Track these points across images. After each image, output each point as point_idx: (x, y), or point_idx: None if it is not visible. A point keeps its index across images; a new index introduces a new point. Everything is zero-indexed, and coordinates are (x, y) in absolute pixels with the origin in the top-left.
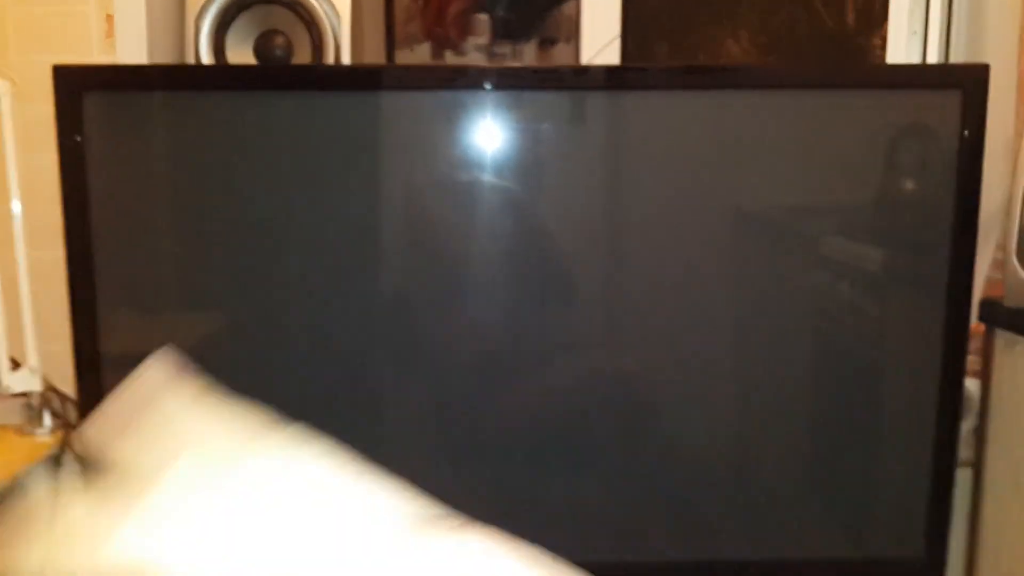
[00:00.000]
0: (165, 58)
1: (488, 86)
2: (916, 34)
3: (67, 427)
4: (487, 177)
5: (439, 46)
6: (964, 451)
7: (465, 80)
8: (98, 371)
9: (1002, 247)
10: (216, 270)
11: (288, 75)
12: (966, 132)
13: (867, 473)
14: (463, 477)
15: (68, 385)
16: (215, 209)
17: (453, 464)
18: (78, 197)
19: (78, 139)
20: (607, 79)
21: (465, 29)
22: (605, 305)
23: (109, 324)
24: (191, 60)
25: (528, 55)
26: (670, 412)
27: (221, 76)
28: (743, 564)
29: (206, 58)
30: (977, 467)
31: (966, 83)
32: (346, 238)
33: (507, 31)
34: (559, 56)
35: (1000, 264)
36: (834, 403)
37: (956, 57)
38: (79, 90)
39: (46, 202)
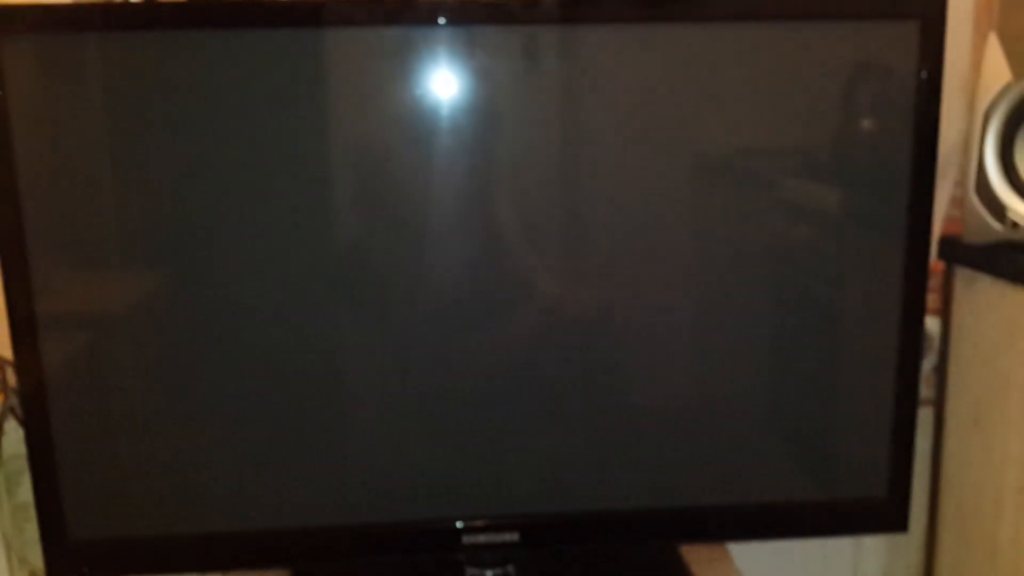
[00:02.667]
0: None
1: (438, 21)
2: None
3: (6, 391)
4: (438, 118)
5: None
6: (925, 390)
7: (413, 15)
8: (35, 332)
9: (960, 184)
10: (155, 222)
11: (226, 12)
12: (923, 64)
13: (829, 414)
14: (424, 427)
15: (5, 347)
16: (152, 159)
17: (414, 415)
18: (2, 151)
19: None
20: (559, 12)
21: None
22: (563, 248)
23: (44, 284)
24: None
25: None
26: (628, 359)
27: (153, 14)
28: (705, 510)
29: None
30: (938, 406)
31: (923, 13)
32: (293, 185)
33: None
34: None
35: (959, 201)
36: (794, 345)
37: None
38: None
39: None
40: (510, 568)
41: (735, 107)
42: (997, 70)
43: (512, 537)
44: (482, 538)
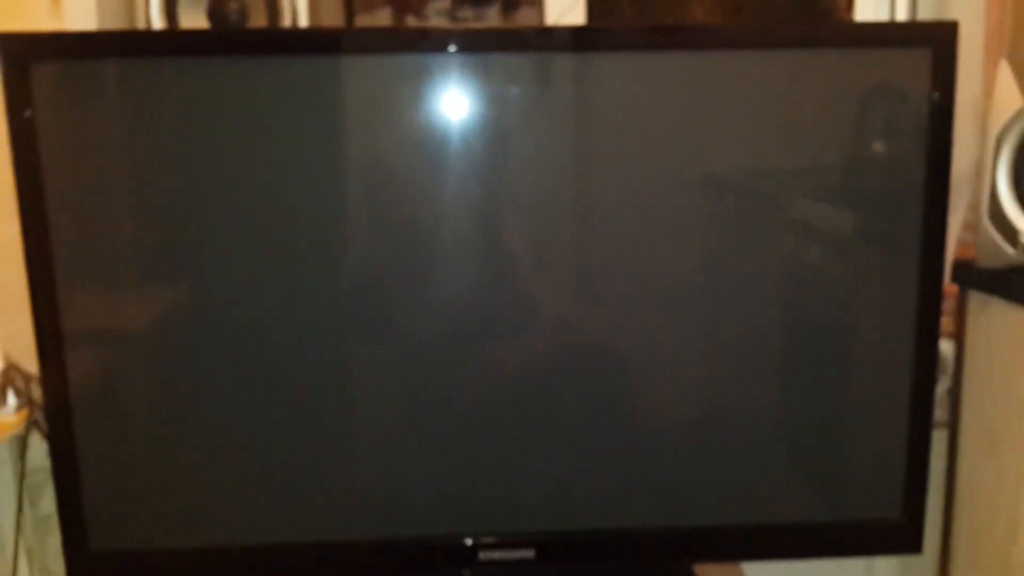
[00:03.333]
0: (115, 24)
1: (451, 48)
2: None
3: (31, 405)
4: (452, 143)
5: (399, 11)
6: (939, 412)
7: (428, 43)
8: (60, 348)
9: (973, 208)
10: (176, 243)
11: (244, 39)
12: (936, 91)
13: (843, 437)
14: (439, 444)
15: (31, 363)
16: (173, 180)
17: (424, 434)
18: (31, 173)
19: (28, 114)
20: (572, 40)
21: None
22: (575, 271)
23: (69, 301)
24: (142, 26)
25: (491, 19)
26: (642, 379)
27: (175, 42)
28: (719, 529)
29: (157, 23)
30: (952, 428)
31: (935, 41)
32: (309, 207)
33: None
34: (523, 19)
35: (972, 225)
36: (809, 367)
37: (923, 16)
38: (27, 60)
39: None
40: None
41: (752, 134)
42: (1009, 96)
43: (527, 554)
44: (497, 555)
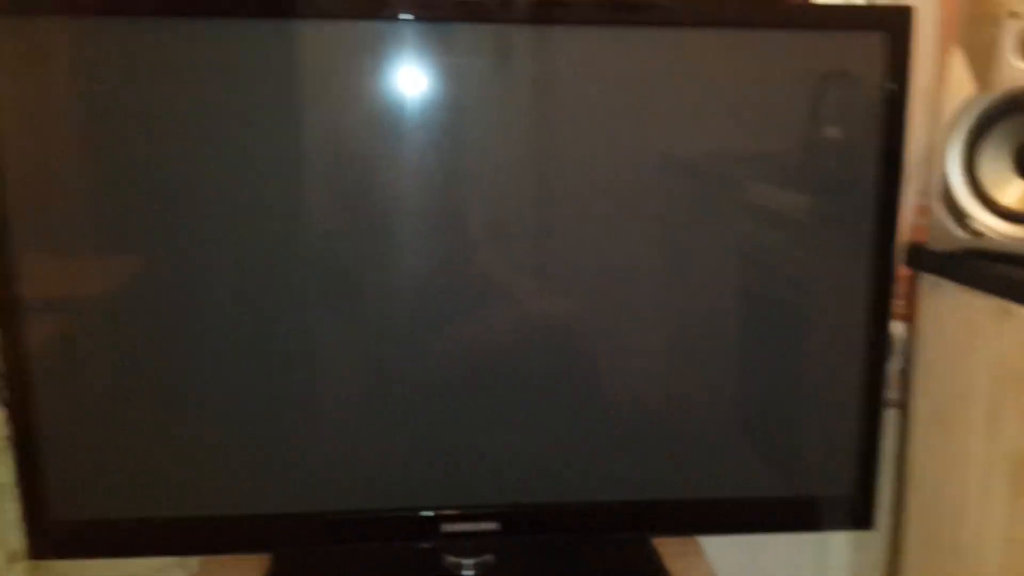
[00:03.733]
0: None
1: (409, 16)
2: None
3: None
4: (408, 114)
5: None
6: (893, 392)
7: (385, 10)
8: (17, 315)
9: (925, 192)
10: (134, 208)
11: (198, 1)
12: (890, 76)
13: (798, 414)
14: (404, 417)
15: None
16: (129, 144)
17: (387, 407)
18: None
19: None
20: (532, 13)
21: None
22: (534, 247)
23: (25, 267)
24: None
25: None
26: (599, 355)
27: (126, 1)
28: (676, 503)
29: None
30: (904, 407)
31: (890, 25)
32: (264, 177)
33: None
34: None
35: (924, 209)
36: (764, 346)
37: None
38: None
39: None
40: (488, 557)
41: (704, 112)
42: (961, 83)
43: (491, 526)
44: (460, 527)
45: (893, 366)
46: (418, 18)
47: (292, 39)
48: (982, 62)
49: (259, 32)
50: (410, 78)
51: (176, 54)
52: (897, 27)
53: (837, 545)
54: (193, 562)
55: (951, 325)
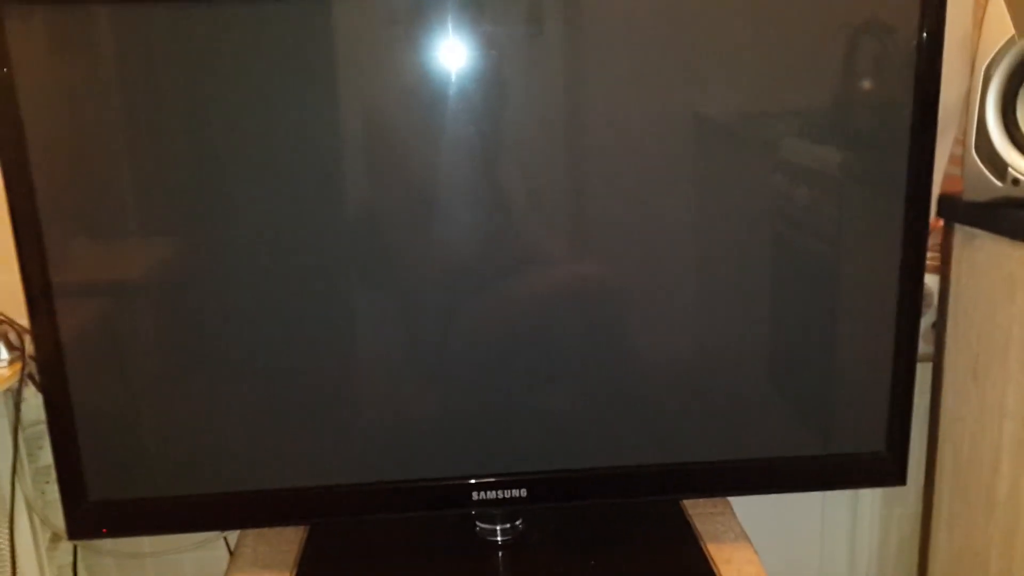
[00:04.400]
0: None
1: None
2: None
3: (24, 358)
4: (443, 78)
5: None
6: (923, 346)
7: None
8: (50, 300)
9: (960, 142)
10: (168, 191)
11: None
12: (925, 22)
13: (829, 371)
14: (435, 387)
15: (22, 316)
16: (161, 127)
17: (424, 376)
18: (12, 124)
19: (5, 71)
20: None
21: None
22: (567, 210)
23: (57, 252)
24: None
25: None
26: (634, 317)
27: None
28: (706, 465)
29: None
30: (936, 361)
31: None
32: (303, 149)
33: None
34: None
35: (958, 159)
36: (796, 303)
37: None
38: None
39: None
40: (519, 523)
41: (737, 67)
42: (999, 27)
43: (520, 493)
44: (491, 494)
45: (925, 320)
46: None
47: (327, 12)
48: (1021, 5)
49: (293, 7)
50: (445, 47)
51: (210, 33)
52: None
53: (868, 500)
54: (232, 535)
55: (987, 276)
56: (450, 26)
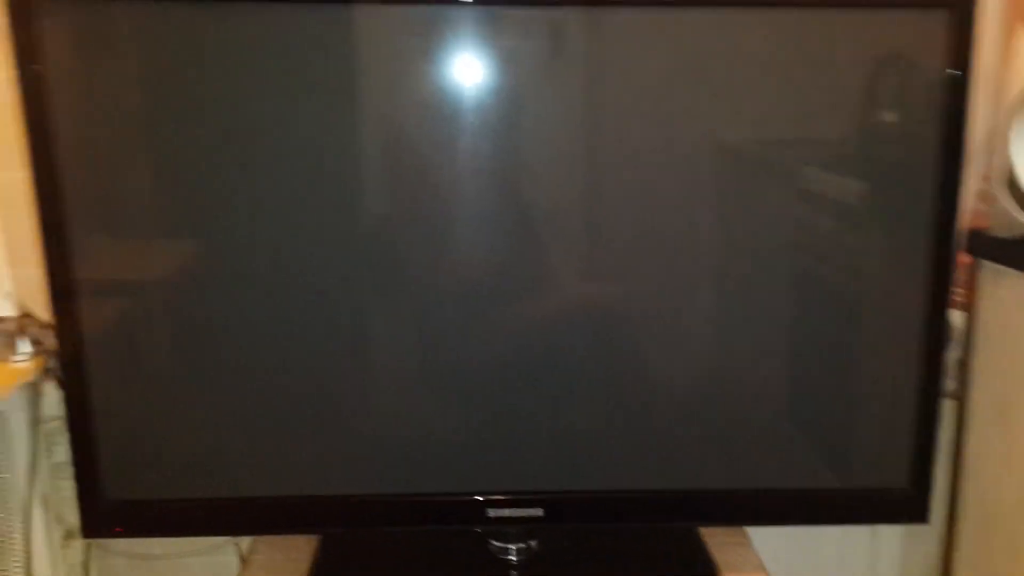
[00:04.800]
0: None
1: (466, 1)
2: None
3: (45, 353)
4: (463, 95)
5: None
6: (948, 383)
7: None
8: (73, 296)
9: (987, 178)
10: (190, 193)
11: None
12: (953, 56)
13: (852, 404)
14: (454, 402)
15: (45, 311)
16: (185, 129)
17: (444, 390)
18: (41, 122)
19: (37, 54)
20: None
21: None
22: (586, 230)
23: (82, 249)
24: None
25: None
26: (653, 343)
27: None
28: (725, 493)
29: None
30: (961, 398)
31: (954, 2)
32: (323, 158)
33: None
34: None
35: (986, 195)
36: (820, 335)
37: None
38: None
39: (6, 119)
40: (532, 543)
41: (762, 94)
42: None
43: (536, 512)
44: (506, 512)
45: (951, 356)
46: (472, 2)
47: (349, 23)
48: None
49: (317, 16)
50: (464, 62)
51: (234, 39)
52: (962, 5)
53: (888, 537)
54: (244, 541)
55: (1015, 314)
56: (470, 42)
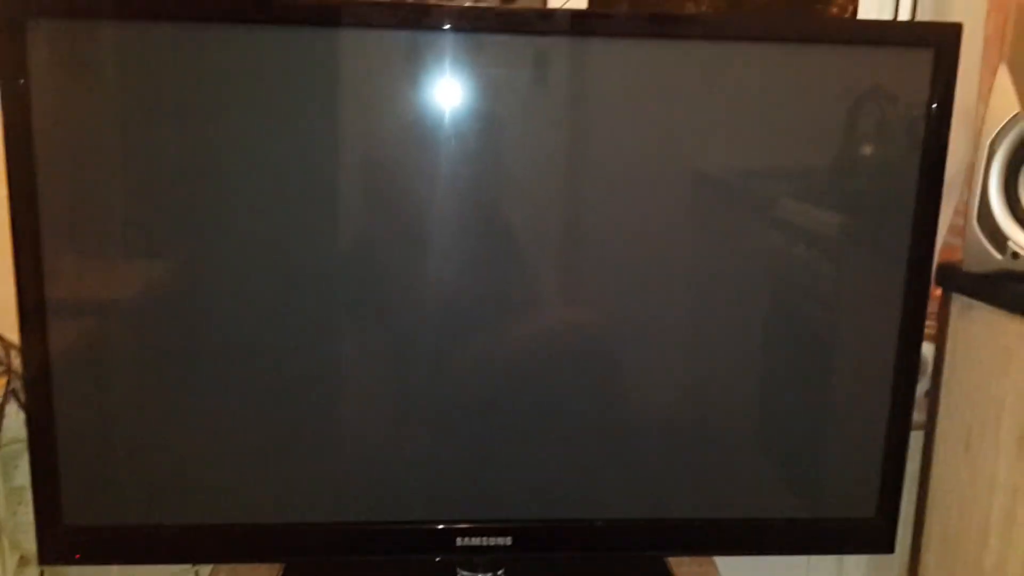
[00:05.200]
0: None
1: (450, 27)
2: None
3: (10, 374)
4: (446, 123)
5: None
6: (917, 414)
7: (427, 20)
8: (43, 318)
9: (961, 213)
10: (164, 215)
11: (244, 7)
12: (935, 94)
13: (821, 435)
14: (421, 429)
15: (12, 331)
16: (162, 150)
17: (411, 417)
18: (21, 137)
19: (21, 71)
20: (571, 24)
21: None
22: (562, 263)
23: (54, 269)
24: None
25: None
26: (625, 372)
27: (176, 5)
28: (693, 523)
29: None
30: (928, 430)
31: (938, 42)
32: (299, 183)
33: None
34: (523, 2)
35: (958, 230)
36: (791, 365)
37: (924, 16)
38: (23, 18)
39: None
40: (500, 572)
41: (743, 125)
42: (1005, 102)
43: (504, 541)
44: (474, 541)
45: (919, 388)
46: (456, 29)
47: (333, 48)
48: None
49: (300, 40)
50: (449, 87)
51: (213, 61)
52: (945, 44)
53: (854, 566)
54: (205, 570)
55: (983, 348)
56: (454, 68)
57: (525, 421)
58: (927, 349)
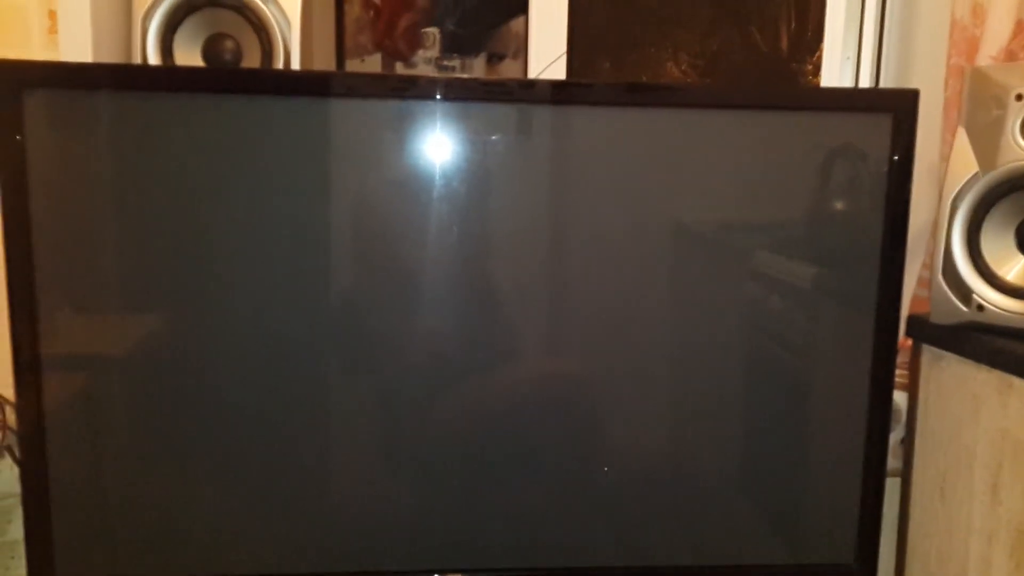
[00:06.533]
0: (110, 58)
1: (438, 96)
2: (849, 59)
3: (5, 430)
4: (434, 186)
5: (389, 58)
6: (892, 461)
7: (415, 90)
8: (38, 373)
9: (928, 266)
10: (161, 273)
11: (238, 78)
12: (896, 155)
13: (800, 483)
14: (406, 482)
15: (6, 387)
16: (159, 212)
17: (397, 469)
18: (18, 196)
19: (18, 138)
20: (553, 93)
21: (415, 42)
22: (547, 316)
23: (50, 326)
24: (137, 61)
25: (477, 70)
26: (609, 423)
27: (170, 77)
28: (679, 569)
29: (153, 60)
30: (905, 476)
31: (897, 107)
32: (292, 245)
33: (456, 46)
34: (507, 72)
35: (926, 282)
36: (767, 413)
37: (887, 82)
38: (20, 87)
39: None
40: None
41: (717, 187)
42: (964, 161)
43: None
44: None
45: (894, 436)
46: (444, 98)
47: (324, 117)
48: (985, 143)
49: (291, 110)
50: (437, 152)
51: (205, 128)
52: (904, 109)
53: None
54: None
55: (953, 397)
56: (441, 134)
57: (510, 472)
58: (900, 398)
